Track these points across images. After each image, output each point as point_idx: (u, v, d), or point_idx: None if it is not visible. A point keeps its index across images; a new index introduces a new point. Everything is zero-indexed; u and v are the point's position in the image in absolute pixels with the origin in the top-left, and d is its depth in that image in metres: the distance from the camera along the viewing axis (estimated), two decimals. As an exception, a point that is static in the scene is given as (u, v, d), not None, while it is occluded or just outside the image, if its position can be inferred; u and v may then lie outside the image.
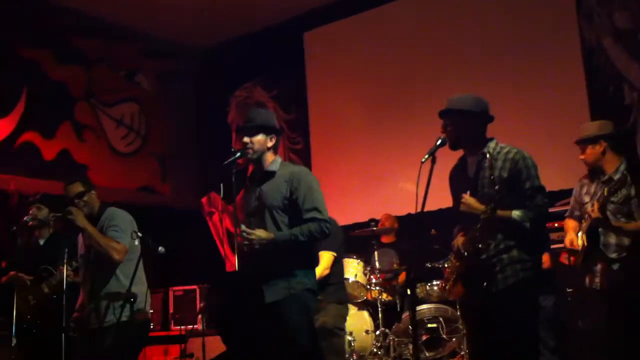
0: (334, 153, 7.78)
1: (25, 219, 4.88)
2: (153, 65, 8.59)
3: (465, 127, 3.50)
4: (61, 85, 7.56)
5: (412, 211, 6.60)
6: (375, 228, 6.02)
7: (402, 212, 6.64)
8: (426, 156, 3.41)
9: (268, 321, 3.61)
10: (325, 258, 4.88)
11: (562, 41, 6.40)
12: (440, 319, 5.33)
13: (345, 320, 5.04)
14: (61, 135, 7.51)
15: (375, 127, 7.43)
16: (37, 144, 7.27)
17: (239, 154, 3.63)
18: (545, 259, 4.96)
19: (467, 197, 3.45)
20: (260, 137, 3.70)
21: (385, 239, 6.55)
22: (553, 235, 5.38)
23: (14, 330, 4.44)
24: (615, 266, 4.06)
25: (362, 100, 7.60)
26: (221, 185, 3.61)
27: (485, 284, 3.34)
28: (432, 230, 5.50)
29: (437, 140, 3.47)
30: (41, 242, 4.98)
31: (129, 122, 8.31)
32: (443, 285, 5.56)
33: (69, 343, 4.20)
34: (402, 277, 6.16)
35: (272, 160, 3.74)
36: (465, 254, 3.48)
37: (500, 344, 3.30)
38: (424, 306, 5.49)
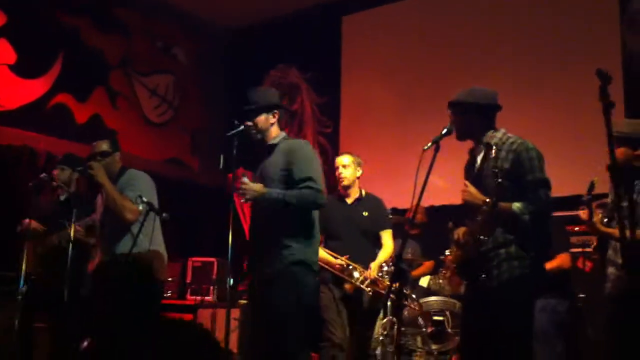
0: (362, 139, 7.72)
1: (42, 176, 4.97)
2: (190, 40, 8.66)
3: (470, 118, 3.47)
4: (98, 51, 7.66)
5: (436, 203, 6.62)
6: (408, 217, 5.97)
7: (425, 203, 6.55)
8: (429, 144, 3.37)
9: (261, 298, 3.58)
10: (390, 237, 4.96)
11: (601, 44, 6.23)
12: (447, 313, 5.27)
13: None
14: (94, 100, 7.61)
15: (405, 117, 7.36)
16: (70, 106, 7.38)
17: (242, 127, 3.65)
18: (565, 259, 4.87)
19: (469, 186, 3.39)
20: (262, 117, 3.76)
21: (410, 230, 6.50)
22: (573, 239, 5.28)
23: (21, 283, 4.52)
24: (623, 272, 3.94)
25: (394, 89, 7.53)
26: (221, 156, 3.63)
27: (481, 277, 3.28)
28: (450, 223, 5.45)
29: (443, 130, 3.43)
30: (62, 198, 5.09)
31: (162, 92, 8.40)
32: (444, 273, 5.58)
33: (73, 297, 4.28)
34: (420, 269, 6.13)
35: (275, 135, 3.78)
36: (465, 244, 3.43)
37: (488, 342, 3.24)
38: (432, 298, 5.45)
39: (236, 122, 3.69)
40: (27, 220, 4.86)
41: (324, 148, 8.08)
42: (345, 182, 4.99)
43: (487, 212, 3.19)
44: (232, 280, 3.93)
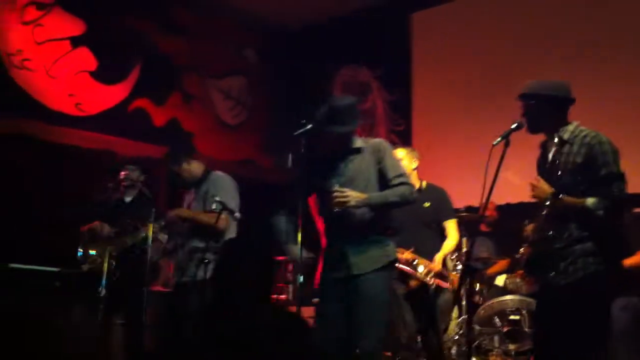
0: (435, 136, 7.63)
1: (121, 177, 5.14)
2: (260, 41, 8.78)
3: (542, 110, 3.38)
4: (172, 56, 7.86)
5: (512, 201, 6.47)
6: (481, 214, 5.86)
7: (500, 201, 6.45)
8: (498, 139, 3.32)
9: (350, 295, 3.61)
10: (454, 227, 4.89)
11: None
12: (524, 312, 5.14)
13: None
14: (171, 103, 7.82)
15: (478, 112, 7.23)
16: (149, 110, 7.62)
17: (309, 125, 3.67)
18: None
19: (540, 182, 3.31)
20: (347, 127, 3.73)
21: (483, 228, 6.40)
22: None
23: (103, 282, 4.68)
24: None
25: (465, 84, 7.41)
26: (289, 155, 3.66)
27: (553, 273, 3.20)
28: (526, 220, 5.33)
29: (513, 124, 3.36)
30: (127, 199, 5.22)
31: (236, 94, 8.55)
32: (520, 271, 5.44)
33: (148, 298, 4.43)
34: (494, 267, 6.01)
35: (354, 140, 3.78)
36: (535, 241, 3.35)
37: (561, 340, 3.16)
38: (508, 297, 5.32)
39: (303, 121, 3.71)
40: (97, 223, 5.04)
41: (397, 146, 8.03)
42: None
43: (550, 206, 3.12)
44: (302, 278, 3.96)
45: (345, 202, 3.49)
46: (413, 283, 4.66)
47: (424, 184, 5.02)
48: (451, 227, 4.87)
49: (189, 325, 4.19)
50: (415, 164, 5.00)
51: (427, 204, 4.84)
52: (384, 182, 3.65)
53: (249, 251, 2.92)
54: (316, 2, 8.21)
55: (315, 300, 6.43)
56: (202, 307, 4.23)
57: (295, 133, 3.67)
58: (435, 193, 4.97)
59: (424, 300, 4.71)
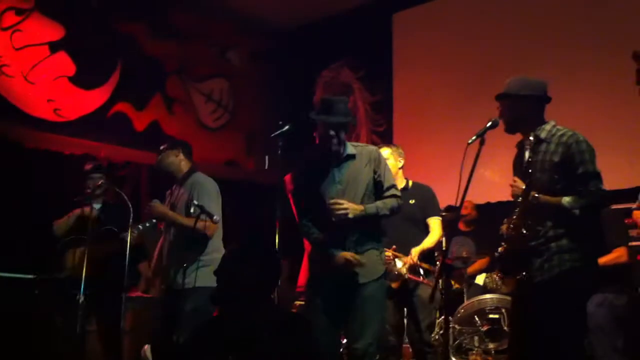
0: (416, 137, 7.66)
1: (100, 182, 5.12)
2: (243, 43, 8.76)
3: (517, 109, 3.41)
4: (154, 59, 7.83)
5: (492, 200, 6.51)
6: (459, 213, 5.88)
7: (480, 200, 6.49)
8: (473, 137, 3.34)
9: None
10: (438, 224, 4.87)
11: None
12: (503, 310, 5.17)
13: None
14: (152, 107, 7.79)
15: (459, 112, 7.25)
16: (129, 114, 7.58)
17: (286, 127, 3.68)
18: (623, 253, 4.72)
19: (517, 181, 3.35)
20: (343, 132, 3.80)
21: (463, 227, 6.42)
22: (633, 232, 5.11)
23: (82, 288, 4.64)
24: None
25: (447, 85, 7.45)
26: (266, 157, 3.69)
27: (527, 270, 3.22)
28: (505, 219, 5.36)
29: (488, 122, 3.38)
30: (96, 206, 5.19)
31: (217, 97, 8.53)
32: (497, 270, 5.46)
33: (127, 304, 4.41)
34: (474, 266, 6.03)
35: (347, 145, 3.84)
36: (510, 238, 3.37)
37: (536, 337, 3.18)
38: (487, 296, 5.37)
39: (280, 122, 3.73)
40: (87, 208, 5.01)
41: (381, 145, 8.06)
42: None
43: (522, 203, 3.15)
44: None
45: (342, 214, 3.57)
46: (394, 284, 4.64)
47: (410, 182, 5.02)
48: (434, 224, 4.85)
49: (182, 329, 4.18)
50: (401, 163, 5.00)
51: (412, 201, 4.83)
52: (377, 190, 3.79)
53: (255, 253, 2.92)
54: (300, 3, 8.22)
55: (298, 302, 6.45)
56: (195, 311, 4.20)
57: (273, 134, 3.69)
58: (420, 191, 4.97)
59: (404, 295, 4.71)
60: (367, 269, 3.67)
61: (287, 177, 8.80)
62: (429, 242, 4.76)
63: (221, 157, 8.44)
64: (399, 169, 4.99)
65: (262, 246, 2.98)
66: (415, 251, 4.65)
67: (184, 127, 8.09)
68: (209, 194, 4.53)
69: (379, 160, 3.82)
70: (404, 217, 4.76)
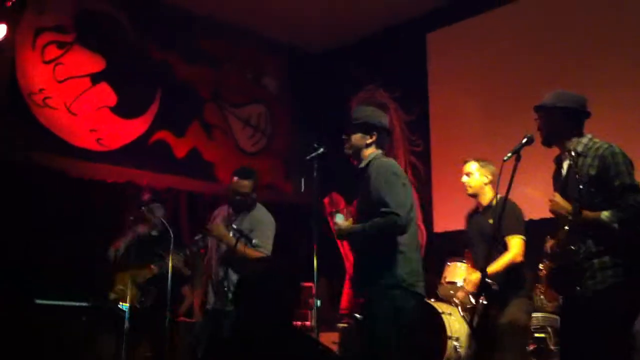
0: (454, 155, 7.55)
1: (141, 209, 5.24)
2: (277, 67, 8.86)
3: (554, 121, 3.39)
4: (191, 86, 7.96)
5: (534, 217, 6.42)
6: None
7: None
8: (509, 154, 3.33)
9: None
10: (514, 243, 4.54)
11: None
12: (549, 329, 5.08)
13: (529, 317, 4.75)
14: (191, 134, 7.91)
15: (495, 129, 7.20)
16: (169, 142, 7.72)
17: (321, 149, 3.71)
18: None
19: (556, 196, 3.31)
20: (358, 135, 3.78)
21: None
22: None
23: (127, 314, 4.74)
24: None
25: (483, 102, 7.41)
26: (302, 180, 3.74)
27: (577, 288, 3.18)
28: (547, 236, 5.27)
29: (523, 138, 3.37)
30: (154, 233, 5.38)
31: (255, 122, 8.64)
32: (539, 287, 5.36)
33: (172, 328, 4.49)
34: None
35: (367, 156, 3.79)
36: (555, 256, 3.34)
37: (584, 356, 3.13)
38: (533, 315, 5.25)
39: (315, 144, 3.76)
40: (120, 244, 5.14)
41: (416, 166, 8.04)
42: (470, 191, 4.85)
43: (571, 221, 3.10)
44: (319, 303, 3.99)
45: (339, 235, 3.68)
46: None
47: (495, 200, 4.77)
48: (511, 244, 4.56)
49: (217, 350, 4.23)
50: (487, 178, 4.81)
51: (491, 220, 4.63)
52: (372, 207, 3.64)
53: (275, 275, 2.92)
54: (333, 27, 8.29)
55: (341, 325, 6.44)
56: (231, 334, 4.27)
57: (308, 157, 3.73)
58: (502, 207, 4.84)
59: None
60: (372, 305, 3.60)
61: (326, 200, 8.84)
62: (500, 262, 4.47)
63: (259, 180, 8.47)
64: (485, 184, 4.82)
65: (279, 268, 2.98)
66: (471, 278, 4.58)
67: (223, 152, 8.20)
68: (265, 228, 4.74)
69: (376, 173, 3.67)
70: (482, 239, 4.69)
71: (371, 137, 3.79)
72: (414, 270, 3.65)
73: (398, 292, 3.56)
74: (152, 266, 5.08)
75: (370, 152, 3.80)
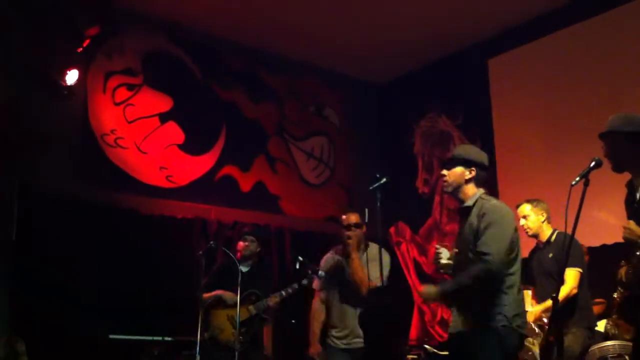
0: (520, 181, 7.49)
1: (210, 244, 5.35)
2: (338, 99, 8.95)
3: (621, 147, 3.31)
4: (256, 122, 8.13)
5: (608, 242, 6.23)
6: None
7: (596, 242, 6.24)
8: (577, 179, 3.27)
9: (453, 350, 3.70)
10: (571, 276, 4.63)
11: None
12: (626, 357, 4.89)
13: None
14: (256, 168, 8.04)
15: (562, 155, 7.05)
16: (236, 176, 7.86)
17: (384, 179, 3.72)
18: None
19: (630, 223, 3.23)
20: (457, 170, 3.71)
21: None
22: None
23: (197, 349, 4.82)
24: None
25: (548, 126, 7.29)
26: (366, 210, 3.77)
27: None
28: (622, 261, 5.12)
29: (591, 162, 3.31)
30: (243, 269, 5.37)
31: (318, 154, 8.72)
32: (614, 317, 5.20)
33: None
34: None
35: (471, 195, 3.69)
36: (629, 283, 3.24)
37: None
38: (609, 342, 5.07)
39: (377, 175, 3.77)
40: (221, 292, 5.28)
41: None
42: (530, 232, 4.99)
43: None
44: None
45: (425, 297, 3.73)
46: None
47: (555, 235, 4.94)
48: (567, 276, 4.58)
49: None
50: (543, 216, 4.99)
51: (550, 255, 4.81)
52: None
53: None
54: (394, 56, 8.33)
55: (410, 357, 6.37)
56: None
57: (371, 187, 3.74)
58: (560, 243, 4.79)
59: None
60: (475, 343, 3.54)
61: (392, 229, 8.81)
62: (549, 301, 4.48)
63: (322, 212, 8.54)
64: (542, 222, 4.98)
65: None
66: (538, 308, 4.58)
67: (288, 185, 8.29)
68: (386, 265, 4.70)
69: (483, 215, 3.55)
70: (544, 274, 4.80)
71: (470, 172, 3.68)
72: (522, 311, 3.62)
73: (506, 333, 3.49)
74: (250, 306, 5.20)
75: (472, 189, 3.70)
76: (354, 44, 8.00)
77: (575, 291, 4.59)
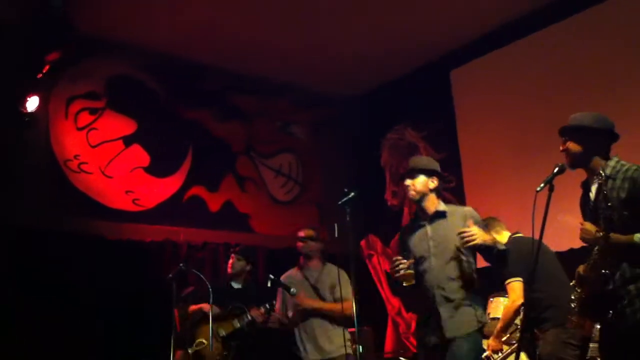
0: (487, 189, 7.57)
1: (180, 266, 5.29)
2: (306, 115, 8.94)
3: (586, 143, 3.34)
4: (222, 141, 8.08)
5: (575, 246, 6.27)
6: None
7: (564, 247, 6.29)
8: (542, 185, 3.30)
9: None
10: (511, 289, 4.68)
11: None
12: (598, 360, 4.92)
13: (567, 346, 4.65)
14: (225, 187, 7.99)
15: (527, 160, 7.12)
16: (204, 197, 7.80)
17: (352, 193, 3.73)
18: None
19: (585, 224, 3.25)
20: (421, 179, 3.82)
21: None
22: None
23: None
24: None
25: (512, 134, 7.36)
26: (335, 225, 3.78)
27: (610, 316, 3.09)
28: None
29: (555, 168, 3.34)
30: (235, 286, 5.55)
31: (287, 171, 8.69)
32: (571, 318, 5.23)
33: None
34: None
35: (437, 202, 3.89)
36: (588, 281, 3.25)
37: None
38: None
39: (345, 189, 3.79)
40: (208, 305, 5.20)
41: (451, 202, 7.97)
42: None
43: (602, 245, 3.04)
44: (361, 349, 3.98)
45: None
46: None
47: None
48: (508, 290, 4.76)
49: None
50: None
51: None
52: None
53: None
54: (358, 72, 8.36)
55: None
56: None
57: (340, 202, 3.75)
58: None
59: None
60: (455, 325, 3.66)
61: (363, 242, 8.81)
62: (503, 316, 4.74)
63: (294, 229, 8.47)
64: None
65: None
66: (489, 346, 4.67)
67: (257, 203, 8.25)
68: (345, 283, 4.87)
69: (472, 218, 3.82)
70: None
71: (433, 181, 3.92)
72: None
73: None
74: (235, 320, 5.22)
75: (434, 198, 3.91)
76: (320, 60, 8.01)
77: (519, 301, 4.56)
